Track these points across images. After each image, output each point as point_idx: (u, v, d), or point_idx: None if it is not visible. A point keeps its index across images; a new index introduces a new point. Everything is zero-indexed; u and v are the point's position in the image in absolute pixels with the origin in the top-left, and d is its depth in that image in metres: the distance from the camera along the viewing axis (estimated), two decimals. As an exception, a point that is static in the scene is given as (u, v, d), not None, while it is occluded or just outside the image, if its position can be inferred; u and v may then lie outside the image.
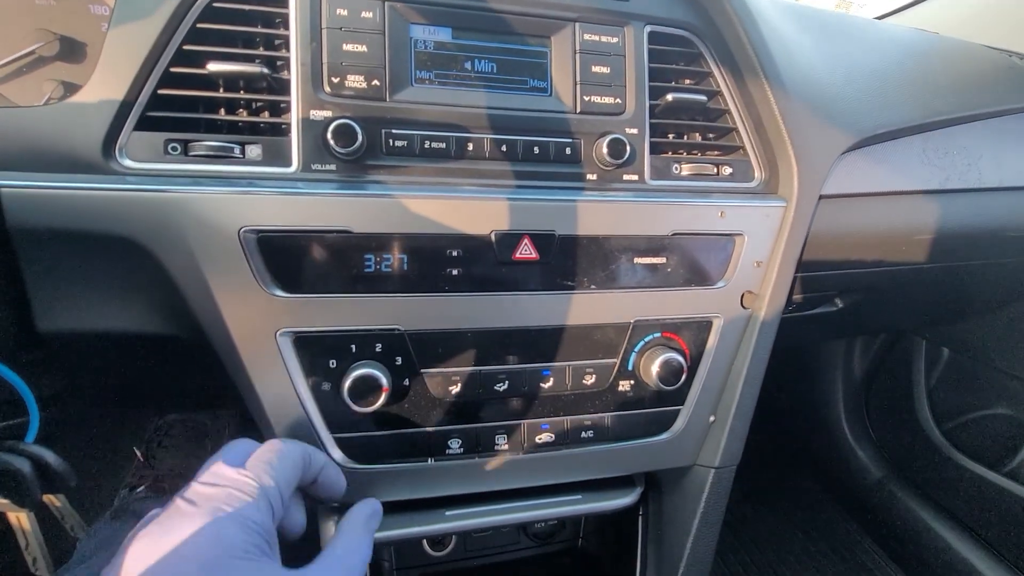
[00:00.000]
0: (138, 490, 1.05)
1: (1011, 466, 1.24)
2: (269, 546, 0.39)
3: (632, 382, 0.65)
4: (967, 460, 1.32)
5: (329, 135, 0.53)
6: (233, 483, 0.41)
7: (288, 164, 0.55)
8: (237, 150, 0.54)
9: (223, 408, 1.13)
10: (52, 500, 0.61)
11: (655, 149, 0.66)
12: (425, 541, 0.86)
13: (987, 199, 0.88)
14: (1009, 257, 0.97)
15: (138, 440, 1.17)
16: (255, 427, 0.59)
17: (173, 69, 0.52)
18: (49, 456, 0.44)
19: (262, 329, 0.54)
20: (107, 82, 0.51)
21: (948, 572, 1.29)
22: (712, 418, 0.70)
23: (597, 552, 0.89)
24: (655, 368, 0.63)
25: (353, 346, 0.56)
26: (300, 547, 0.48)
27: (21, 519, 0.63)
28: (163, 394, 0.99)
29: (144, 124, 0.52)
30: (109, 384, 0.74)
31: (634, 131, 0.63)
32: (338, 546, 0.46)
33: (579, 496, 0.70)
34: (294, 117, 0.55)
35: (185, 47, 0.52)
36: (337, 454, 0.59)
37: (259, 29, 0.55)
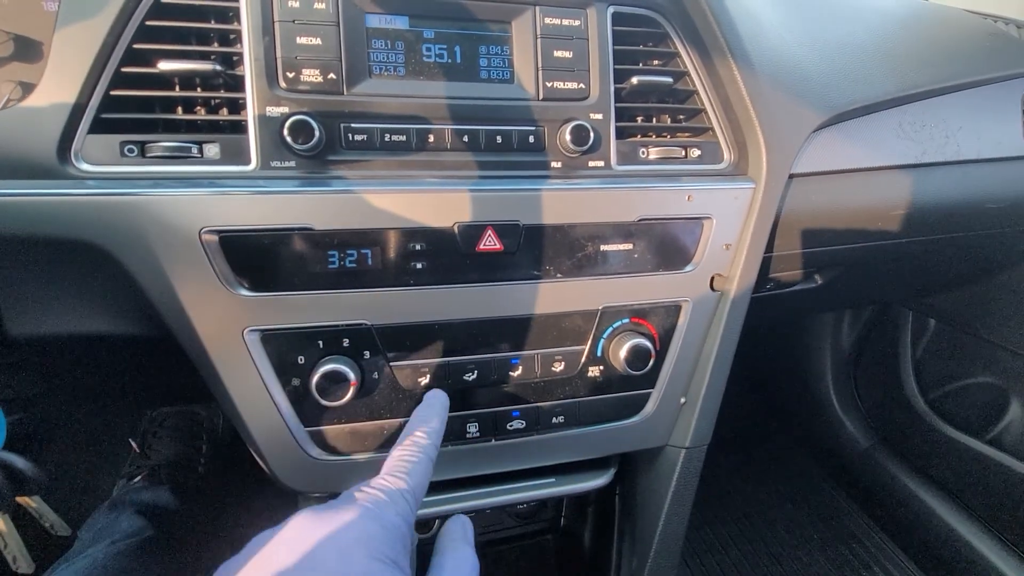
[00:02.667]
0: (135, 480, 1.08)
1: (993, 433, 1.26)
2: (404, 557, 0.39)
3: (602, 367, 0.66)
4: (951, 429, 1.34)
5: (286, 131, 0.53)
6: (384, 492, 0.42)
7: (247, 162, 0.55)
8: (195, 149, 0.54)
9: (213, 400, 1.16)
10: (27, 501, 0.63)
11: (621, 134, 0.65)
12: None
13: (965, 172, 0.87)
14: (989, 229, 0.97)
15: (134, 432, 1.20)
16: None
17: (124, 69, 0.52)
18: (18, 461, 0.45)
19: (229, 328, 0.55)
20: (58, 85, 0.50)
21: (932, 537, 1.32)
22: (683, 399, 0.72)
23: (578, 530, 0.92)
24: (623, 353, 0.64)
25: (321, 342, 0.57)
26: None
27: (-3, 521, 0.64)
28: (148, 390, 1.00)
29: (98, 126, 0.52)
30: (90, 383, 0.75)
31: (599, 116, 0.63)
32: (447, 562, 0.44)
33: (553, 479, 0.72)
34: (250, 114, 0.54)
35: (135, 46, 0.52)
36: (313, 449, 0.60)
37: (209, 24, 0.54)
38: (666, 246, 0.65)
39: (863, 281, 1.16)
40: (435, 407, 0.55)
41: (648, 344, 0.64)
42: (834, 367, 1.61)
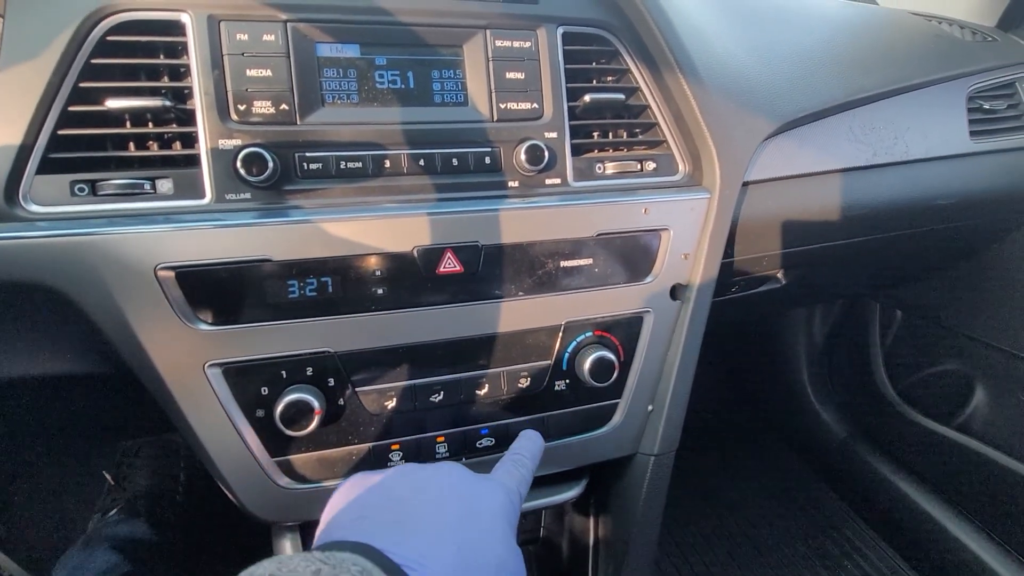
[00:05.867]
0: (110, 514, 1.06)
1: (961, 419, 1.30)
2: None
3: (568, 381, 0.67)
4: (920, 416, 1.38)
5: (239, 164, 0.53)
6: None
7: (201, 196, 0.55)
8: (148, 185, 0.54)
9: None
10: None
11: (577, 151, 0.66)
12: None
13: (915, 171, 0.90)
14: (941, 224, 1.00)
15: (108, 464, 1.17)
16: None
17: (72, 108, 0.51)
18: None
19: (189, 364, 0.55)
20: (2, 126, 0.50)
21: (908, 522, 1.35)
22: (650, 408, 0.73)
23: (557, 540, 0.92)
24: (588, 366, 0.65)
25: (284, 372, 0.57)
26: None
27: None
28: (119, 422, 0.99)
29: (47, 167, 0.51)
30: (55, 421, 0.74)
31: (553, 135, 0.64)
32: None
33: (526, 493, 0.73)
34: (203, 148, 0.54)
35: (82, 84, 0.52)
36: (281, 479, 0.60)
37: (158, 60, 0.54)
38: (626, 259, 0.66)
39: (826, 278, 1.19)
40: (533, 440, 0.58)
41: (612, 356, 0.65)
42: (809, 361, 1.64)
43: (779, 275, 1.00)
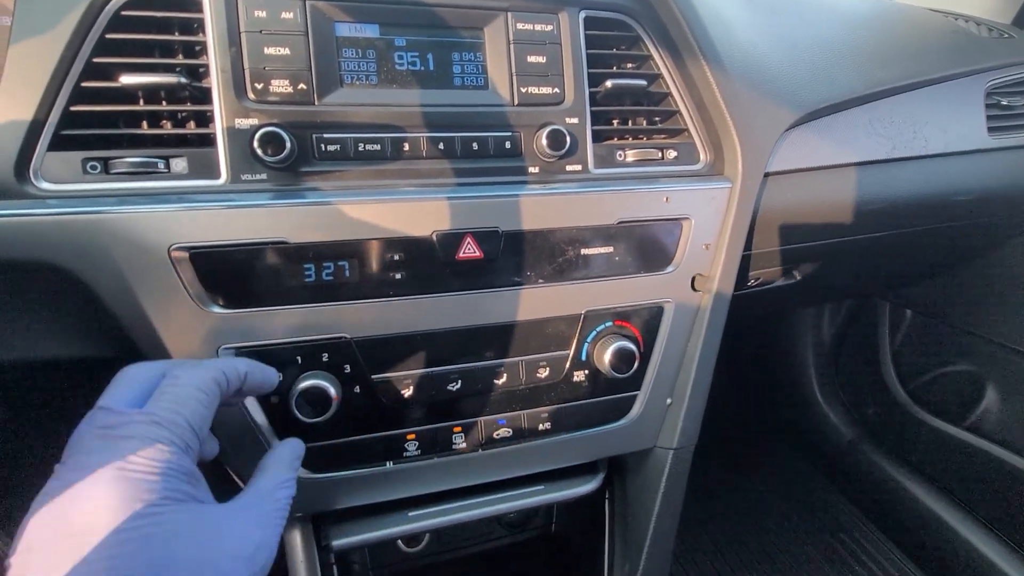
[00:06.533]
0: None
1: (971, 420, 1.29)
2: (193, 486, 0.37)
3: (587, 372, 0.66)
4: (930, 416, 1.37)
5: (256, 144, 0.52)
6: (136, 431, 0.35)
7: (216, 176, 0.53)
8: (161, 164, 0.52)
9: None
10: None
11: (598, 137, 0.65)
12: (399, 540, 0.87)
13: (934, 165, 0.89)
14: (959, 220, 0.99)
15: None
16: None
17: (84, 84, 0.50)
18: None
19: (203, 348, 0.53)
20: (13, 102, 0.48)
21: (917, 525, 1.34)
22: (669, 401, 0.72)
23: (569, 535, 0.91)
24: (608, 356, 0.63)
25: (299, 357, 0.56)
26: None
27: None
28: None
29: (58, 143, 0.50)
30: (62, 405, 0.73)
31: (574, 120, 0.63)
32: (265, 480, 0.44)
33: (542, 487, 0.71)
34: (218, 127, 0.53)
35: (95, 60, 0.50)
36: (293, 466, 0.58)
37: (174, 36, 0.53)
38: (646, 248, 0.65)
39: (840, 275, 1.18)
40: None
41: (632, 346, 0.64)
42: (816, 361, 1.63)
43: (794, 271, 0.99)
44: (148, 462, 0.35)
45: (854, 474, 1.52)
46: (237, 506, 0.40)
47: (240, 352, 0.54)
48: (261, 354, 0.55)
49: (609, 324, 0.66)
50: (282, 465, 0.46)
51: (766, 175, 0.72)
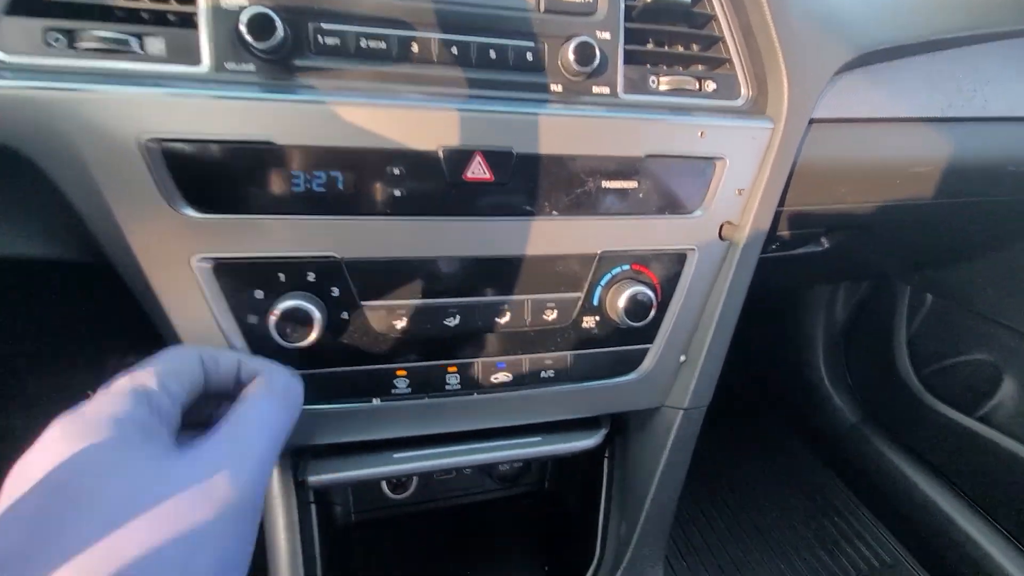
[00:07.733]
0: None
1: (984, 410, 1.25)
2: (147, 438, 0.34)
3: (597, 318, 0.60)
4: (942, 405, 1.32)
5: (243, 27, 0.45)
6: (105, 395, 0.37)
7: (197, 62, 0.47)
8: (135, 44, 0.46)
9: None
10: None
11: (630, 58, 0.58)
12: (384, 484, 0.83)
13: (990, 129, 0.81)
14: (1005, 195, 0.92)
15: (96, 385, 1.12)
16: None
17: (48, -62, 0.43)
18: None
19: (175, 255, 0.48)
20: (-38, -49, 0.42)
21: (916, 512, 1.31)
22: (683, 358, 0.66)
23: (563, 493, 0.88)
24: (622, 303, 0.58)
25: (282, 275, 0.50)
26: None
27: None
28: (107, 336, 0.92)
29: (16, 7, 0.43)
30: (29, 323, 0.68)
31: (606, 35, 0.55)
32: (240, 414, 0.38)
33: (539, 438, 0.67)
34: (201, 3, 0.46)
35: (60, -91, 0.43)
36: (272, 394, 0.54)
37: None
38: (674, 187, 0.59)
39: (868, 249, 1.11)
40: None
41: (650, 294, 0.58)
42: (826, 342, 1.58)
43: (823, 237, 0.93)
44: (97, 409, 0.35)
45: (854, 457, 1.49)
46: (199, 449, 0.36)
47: (219, 264, 0.49)
48: (239, 268, 0.49)
49: (626, 268, 0.60)
50: (264, 392, 0.41)
51: (811, 121, 0.65)
